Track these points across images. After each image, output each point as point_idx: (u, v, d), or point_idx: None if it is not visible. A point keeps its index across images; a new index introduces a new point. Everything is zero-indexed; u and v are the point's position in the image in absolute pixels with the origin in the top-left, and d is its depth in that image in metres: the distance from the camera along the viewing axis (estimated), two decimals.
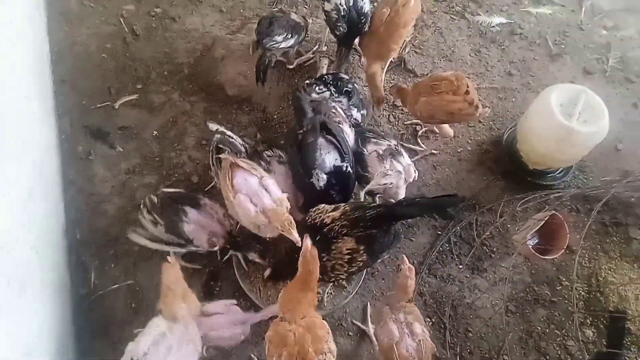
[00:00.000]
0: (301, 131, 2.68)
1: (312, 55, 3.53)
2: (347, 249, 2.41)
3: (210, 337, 2.40)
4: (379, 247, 2.51)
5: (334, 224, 2.42)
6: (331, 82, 3.00)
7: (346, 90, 2.99)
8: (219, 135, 2.80)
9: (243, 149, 2.82)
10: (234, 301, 2.56)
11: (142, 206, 2.66)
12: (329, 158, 2.64)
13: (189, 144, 3.27)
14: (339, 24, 3.08)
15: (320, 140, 2.65)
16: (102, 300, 2.83)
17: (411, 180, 2.82)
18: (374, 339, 2.70)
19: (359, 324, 2.83)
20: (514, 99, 3.61)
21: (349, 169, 2.67)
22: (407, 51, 3.67)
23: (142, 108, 3.38)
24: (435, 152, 3.37)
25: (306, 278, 2.20)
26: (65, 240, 2.90)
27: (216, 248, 2.65)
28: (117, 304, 2.83)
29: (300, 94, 2.85)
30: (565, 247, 2.81)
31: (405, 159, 2.84)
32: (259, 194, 2.50)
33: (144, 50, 3.56)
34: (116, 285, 2.86)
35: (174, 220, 2.59)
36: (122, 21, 3.65)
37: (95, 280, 2.86)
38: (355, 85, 3.08)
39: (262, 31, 3.09)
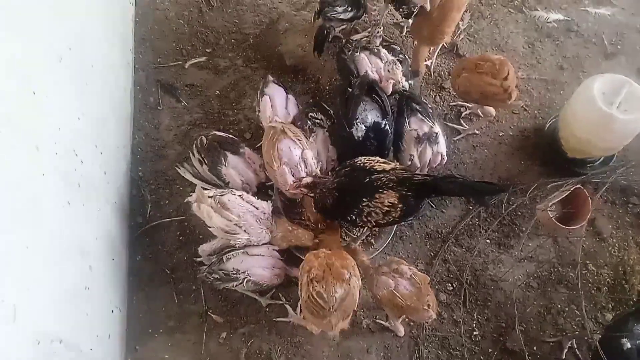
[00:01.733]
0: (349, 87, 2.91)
1: (367, 34, 3.75)
2: (389, 202, 2.57)
3: (253, 273, 2.69)
4: (413, 211, 2.71)
5: (382, 175, 2.60)
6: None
7: (398, 59, 3.21)
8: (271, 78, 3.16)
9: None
10: (276, 247, 2.81)
11: (193, 145, 2.96)
12: (371, 115, 2.88)
13: (246, 104, 3.57)
14: None
15: (366, 98, 2.89)
16: (155, 230, 3.17)
17: (435, 165, 2.99)
18: (398, 328, 2.86)
19: (383, 322, 2.94)
20: (562, 92, 3.68)
21: (387, 126, 2.88)
22: (461, 38, 3.82)
23: (208, 70, 3.72)
24: (477, 132, 3.50)
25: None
26: (129, 174, 3.27)
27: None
28: (168, 235, 3.17)
29: (345, 55, 3.16)
30: (586, 219, 2.87)
31: (440, 146, 2.94)
32: (299, 166, 2.77)
33: (216, 19, 3.91)
34: (169, 219, 3.20)
35: (215, 162, 2.88)
36: None
37: (150, 212, 3.21)
38: (406, 56, 3.30)
39: (325, 0, 3.32)
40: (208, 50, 3.79)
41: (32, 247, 1.96)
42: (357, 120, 2.82)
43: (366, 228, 3.04)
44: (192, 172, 2.95)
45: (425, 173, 2.77)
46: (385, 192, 2.57)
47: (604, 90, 3.02)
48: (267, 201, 2.80)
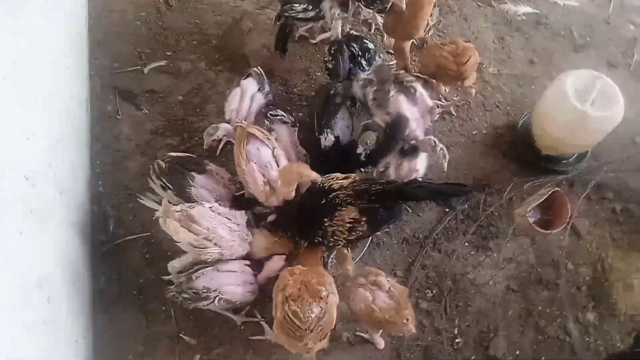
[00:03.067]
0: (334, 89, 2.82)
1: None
2: (350, 218, 2.51)
3: (225, 290, 2.54)
4: (380, 221, 2.63)
5: (340, 192, 2.52)
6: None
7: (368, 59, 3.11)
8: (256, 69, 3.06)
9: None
10: (248, 262, 2.67)
11: (151, 171, 2.75)
12: (341, 123, 2.77)
13: (210, 110, 3.41)
14: None
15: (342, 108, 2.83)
16: (119, 249, 2.99)
17: None
18: (377, 341, 2.76)
19: (362, 334, 2.83)
20: (533, 87, 3.63)
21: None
22: (430, 33, 3.73)
23: (169, 74, 3.53)
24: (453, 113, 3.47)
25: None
26: (89, 190, 3.07)
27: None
28: (133, 253, 2.99)
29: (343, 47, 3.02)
30: (565, 222, 2.84)
31: (418, 162, 2.83)
32: (269, 165, 2.67)
33: (176, 20, 3.72)
34: (133, 236, 3.02)
35: (182, 185, 2.70)
36: None
37: (113, 230, 3.02)
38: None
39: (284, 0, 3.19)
40: (168, 54, 3.60)
41: None
42: (330, 128, 2.73)
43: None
44: (157, 199, 2.75)
45: (385, 180, 2.67)
46: (344, 209, 2.51)
47: (576, 87, 2.97)
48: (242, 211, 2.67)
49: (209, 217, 2.50)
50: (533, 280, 3.02)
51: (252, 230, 2.68)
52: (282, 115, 2.97)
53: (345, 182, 2.57)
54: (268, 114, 2.97)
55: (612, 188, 3.26)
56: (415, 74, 3.18)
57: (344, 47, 3.03)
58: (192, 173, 2.73)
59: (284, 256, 2.65)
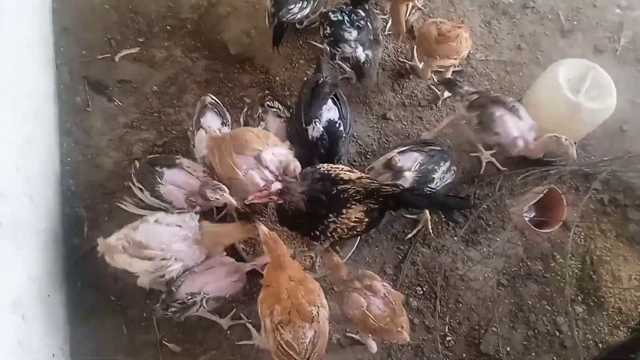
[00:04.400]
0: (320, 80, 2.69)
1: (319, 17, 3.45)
2: (355, 217, 2.41)
3: (210, 289, 2.42)
4: (376, 223, 2.56)
5: (348, 185, 2.41)
6: (347, 13, 3.06)
7: (357, 25, 3.03)
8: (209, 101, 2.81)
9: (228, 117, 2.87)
10: (224, 252, 2.54)
11: (132, 174, 2.63)
12: (327, 114, 2.71)
13: (188, 101, 3.23)
14: None
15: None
16: (95, 253, 2.81)
17: None
18: (370, 344, 2.63)
19: (353, 335, 2.76)
20: (521, 73, 3.55)
21: (342, 127, 2.74)
22: (415, 17, 3.59)
23: (142, 62, 3.33)
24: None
25: (278, 261, 2.23)
26: (60, 190, 2.89)
27: (197, 209, 2.59)
28: None
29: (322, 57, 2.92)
30: (561, 222, 2.79)
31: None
32: (259, 167, 2.51)
33: (147, 3, 3.49)
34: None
35: (152, 184, 2.57)
36: None
37: (88, 232, 2.85)
38: (369, 24, 3.09)
39: (279, 1, 3.03)
40: (141, 40, 3.39)
41: None
42: (317, 119, 2.64)
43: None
44: (135, 202, 2.60)
45: (393, 183, 2.56)
46: (352, 207, 2.40)
47: (569, 77, 2.91)
48: (190, 211, 2.51)
49: (158, 234, 2.33)
50: (523, 275, 2.99)
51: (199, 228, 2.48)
52: (277, 109, 2.84)
53: (353, 175, 2.46)
54: (265, 104, 2.86)
55: (598, 179, 3.22)
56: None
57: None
58: (161, 169, 2.58)
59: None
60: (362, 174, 2.49)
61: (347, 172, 2.47)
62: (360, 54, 3.01)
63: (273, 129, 2.77)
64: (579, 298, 2.96)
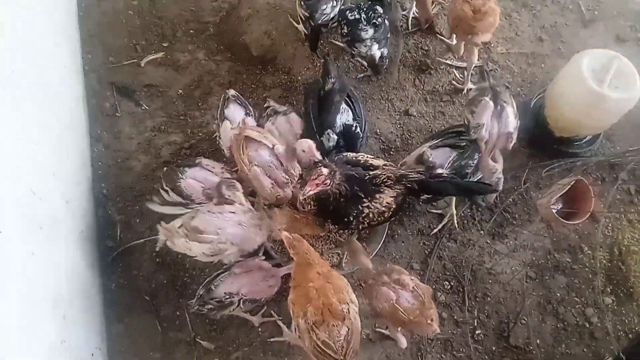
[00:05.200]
0: (325, 89, 2.69)
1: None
2: (386, 202, 2.45)
3: (246, 291, 2.49)
4: (399, 209, 2.57)
5: (379, 171, 2.44)
6: (364, 10, 3.04)
7: (374, 22, 3.02)
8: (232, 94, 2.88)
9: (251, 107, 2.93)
10: (263, 257, 2.60)
11: (161, 178, 2.71)
12: (341, 117, 2.72)
13: (213, 103, 3.28)
14: None
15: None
16: (129, 254, 2.91)
17: None
18: (400, 339, 2.70)
19: (382, 330, 2.80)
20: (543, 65, 3.54)
21: (358, 129, 2.75)
22: (434, 11, 3.59)
23: (167, 66, 3.40)
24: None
25: (305, 259, 2.25)
26: (93, 194, 2.97)
27: (215, 200, 2.61)
28: (143, 257, 2.91)
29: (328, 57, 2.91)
30: (589, 213, 2.78)
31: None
32: (272, 165, 2.58)
33: (170, 7, 3.55)
34: (142, 240, 2.92)
35: (174, 180, 2.65)
36: None
37: (121, 234, 2.93)
38: (386, 22, 3.09)
39: (311, 4, 3.06)
40: (165, 45, 3.45)
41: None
42: (329, 128, 2.65)
43: (356, 230, 2.85)
44: (160, 201, 2.66)
45: (419, 170, 2.59)
46: (384, 191, 2.44)
47: (593, 68, 2.89)
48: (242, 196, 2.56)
49: (213, 220, 2.41)
50: (550, 267, 2.99)
51: (267, 212, 2.57)
52: (273, 106, 2.91)
53: (380, 162, 2.51)
54: (266, 112, 2.92)
55: (625, 169, 3.21)
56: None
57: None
58: (184, 168, 2.68)
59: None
60: (386, 162, 2.53)
61: (374, 159, 2.51)
62: (375, 51, 3.02)
63: (283, 124, 2.83)
64: (608, 289, 2.94)
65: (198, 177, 2.68)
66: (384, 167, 2.48)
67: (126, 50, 3.40)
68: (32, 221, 2.07)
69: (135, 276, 2.86)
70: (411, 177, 2.45)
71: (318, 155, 2.47)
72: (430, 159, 2.62)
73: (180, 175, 2.64)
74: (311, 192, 2.29)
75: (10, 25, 2.31)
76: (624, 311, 2.90)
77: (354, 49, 3.05)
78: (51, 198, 2.31)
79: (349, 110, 2.81)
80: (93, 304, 2.59)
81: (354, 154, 2.54)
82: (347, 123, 2.76)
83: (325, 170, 2.28)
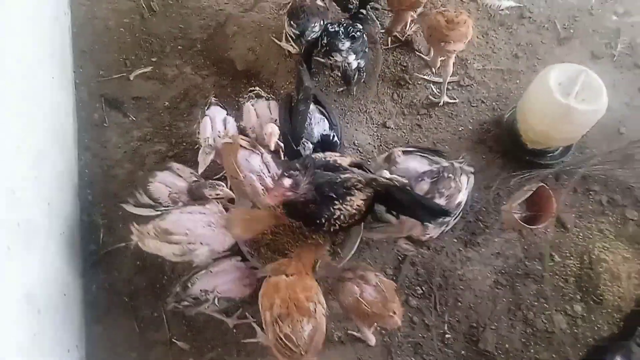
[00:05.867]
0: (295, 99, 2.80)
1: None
2: (357, 205, 2.49)
3: (222, 289, 2.57)
4: (368, 215, 2.63)
5: (350, 175, 2.47)
6: (344, 25, 3.19)
7: (352, 35, 3.16)
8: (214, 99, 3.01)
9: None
10: (239, 257, 2.69)
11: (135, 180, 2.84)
12: (318, 128, 2.80)
13: (197, 115, 3.39)
14: None
15: (312, 108, 2.80)
16: (110, 257, 3.01)
17: None
18: (368, 337, 2.77)
19: (354, 332, 2.86)
20: (518, 81, 3.65)
21: (336, 138, 2.83)
22: (413, 29, 3.73)
23: (155, 80, 3.54)
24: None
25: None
26: (78, 200, 3.09)
27: (180, 204, 2.72)
28: (124, 260, 3.00)
29: (302, 67, 2.99)
30: (551, 217, 2.86)
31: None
32: (262, 173, 2.65)
33: (160, 25, 3.72)
34: (124, 244, 3.03)
35: (145, 184, 2.76)
36: None
37: (104, 238, 3.04)
38: (364, 37, 3.24)
39: (301, 24, 3.23)
40: (154, 59, 3.61)
41: None
42: (304, 138, 2.74)
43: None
44: (134, 202, 2.79)
45: (389, 176, 2.67)
46: (355, 194, 2.48)
47: (560, 81, 2.99)
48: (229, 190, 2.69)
49: (182, 221, 2.50)
50: (521, 274, 3.05)
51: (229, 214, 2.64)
52: (259, 90, 3.04)
53: (347, 161, 2.58)
54: (248, 95, 3.06)
55: (597, 180, 3.29)
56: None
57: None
58: (155, 172, 2.79)
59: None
60: (352, 159, 2.61)
61: (341, 158, 2.58)
62: (352, 61, 3.15)
63: (263, 109, 2.95)
64: (578, 296, 3.01)
65: (167, 181, 2.79)
66: (351, 165, 2.55)
67: (116, 65, 3.56)
68: (10, 217, 2.18)
69: (116, 278, 2.96)
70: (381, 182, 2.51)
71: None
72: (398, 160, 2.71)
73: (150, 178, 2.75)
74: (270, 203, 2.42)
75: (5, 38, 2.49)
76: (593, 319, 2.95)
77: (330, 57, 3.17)
78: (31, 199, 2.43)
79: (325, 120, 2.89)
80: (71, 302, 2.68)
81: (321, 154, 2.61)
82: (324, 133, 2.85)
83: (286, 182, 2.33)
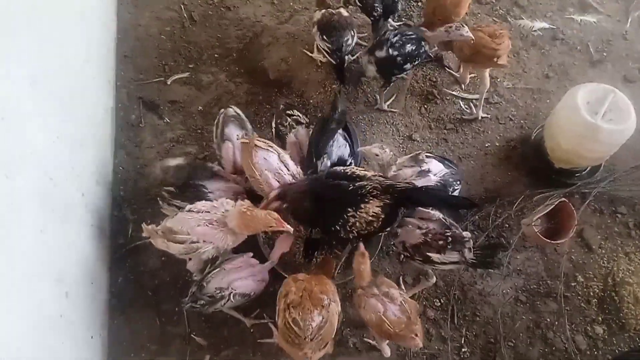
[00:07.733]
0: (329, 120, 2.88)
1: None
2: (373, 212, 2.53)
3: (237, 285, 2.62)
4: (391, 221, 2.65)
5: (365, 182, 2.55)
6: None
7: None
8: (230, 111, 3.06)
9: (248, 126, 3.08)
10: (250, 253, 2.74)
11: (160, 200, 2.84)
12: (337, 151, 2.88)
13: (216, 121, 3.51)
14: (375, 5, 3.33)
15: (340, 134, 2.90)
16: (137, 251, 3.11)
17: None
18: (384, 349, 2.75)
19: (369, 340, 2.89)
20: (548, 101, 3.65)
21: (352, 164, 2.90)
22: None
23: (191, 85, 3.68)
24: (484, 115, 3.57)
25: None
26: (110, 195, 3.22)
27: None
28: (150, 255, 3.10)
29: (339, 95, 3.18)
30: (572, 232, 2.84)
31: None
32: (280, 171, 2.72)
33: (199, 34, 3.87)
34: (150, 240, 3.13)
35: (199, 198, 2.71)
36: (182, 8, 3.97)
37: (132, 233, 3.15)
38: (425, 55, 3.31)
39: (335, 41, 3.27)
40: (191, 66, 3.75)
41: (3, 276, 1.91)
42: (326, 154, 2.81)
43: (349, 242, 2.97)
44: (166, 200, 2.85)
45: (406, 181, 2.72)
46: (369, 201, 2.53)
47: (588, 100, 2.99)
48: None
49: (186, 220, 2.53)
50: (542, 292, 3.03)
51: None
52: (298, 116, 3.11)
53: (368, 173, 2.62)
54: (287, 113, 3.15)
55: (625, 203, 3.26)
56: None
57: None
58: (203, 182, 2.83)
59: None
60: (376, 173, 2.66)
61: (361, 170, 2.65)
62: (371, 70, 3.23)
63: (303, 136, 3.01)
64: (600, 318, 2.96)
65: (221, 187, 2.85)
66: (372, 177, 2.59)
67: (155, 70, 3.72)
68: (45, 201, 2.31)
69: (141, 272, 3.06)
70: (398, 187, 2.55)
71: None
72: (425, 160, 2.76)
73: (204, 190, 2.79)
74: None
75: (56, 38, 2.68)
76: (614, 341, 2.90)
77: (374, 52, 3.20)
78: (66, 187, 2.56)
79: (347, 146, 2.97)
80: (97, 291, 2.79)
81: (343, 167, 2.70)
82: (342, 157, 2.91)
83: (273, 193, 2.52)
